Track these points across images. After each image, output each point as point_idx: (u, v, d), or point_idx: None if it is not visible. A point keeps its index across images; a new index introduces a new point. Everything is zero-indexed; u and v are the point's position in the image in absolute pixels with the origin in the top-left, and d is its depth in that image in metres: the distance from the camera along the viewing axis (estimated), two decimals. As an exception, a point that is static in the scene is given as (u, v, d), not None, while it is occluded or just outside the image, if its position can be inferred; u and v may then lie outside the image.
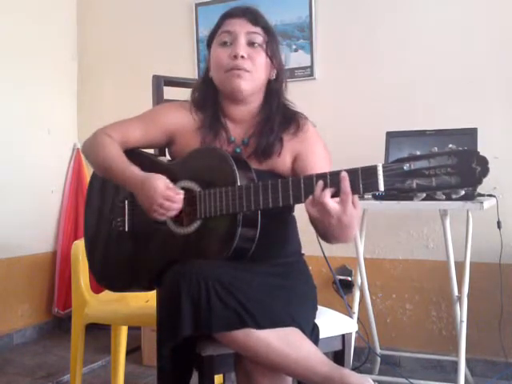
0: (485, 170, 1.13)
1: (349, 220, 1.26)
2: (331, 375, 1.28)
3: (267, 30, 1.56)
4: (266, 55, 1.55)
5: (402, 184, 1.19)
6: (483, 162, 1.14)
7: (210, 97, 1.60)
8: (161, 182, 1.44)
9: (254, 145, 1.56)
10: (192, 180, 1.49)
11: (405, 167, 1.19)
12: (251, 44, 1.53)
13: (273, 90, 1.60)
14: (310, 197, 1.28)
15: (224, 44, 1.54)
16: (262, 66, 1.55)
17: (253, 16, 1.55)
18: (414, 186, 1.19)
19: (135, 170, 1.51)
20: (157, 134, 1.63)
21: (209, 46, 1.62)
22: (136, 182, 1.48)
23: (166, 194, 1.42)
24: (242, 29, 1.53)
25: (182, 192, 1.45)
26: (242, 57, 1.51)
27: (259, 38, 1.54)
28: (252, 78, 1.53)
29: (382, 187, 1.20)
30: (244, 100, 1.58)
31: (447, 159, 1.16)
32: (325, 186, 1.26)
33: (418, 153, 1.19)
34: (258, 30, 1.54)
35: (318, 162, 1.53)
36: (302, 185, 1.30)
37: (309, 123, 1.62)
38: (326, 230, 1.31)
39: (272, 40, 1.57)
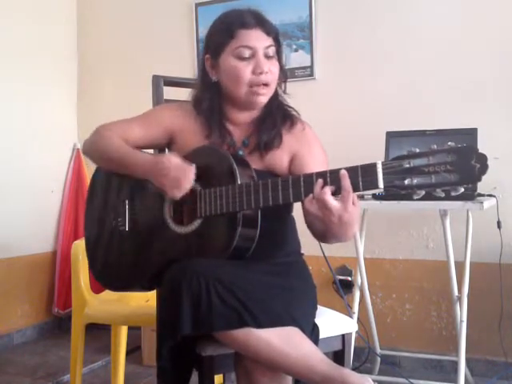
0: (484, 167, 1.13)
1: (349, 217, 1.26)
2: (331, 375, 1.28)
3: (277, 38, 1.57)
4: (278, 64, 1.57)
5: (402, 181, 1.19)
6: (482, 159, 1.13)
7: (216, 103, 1.59)
8: (174, 158, 1.46)
9: (255, 141, 1.56)
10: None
11: (404, 164, 1.19)
12: (268, 57, 1.53)
13: (275, 92, 1.60)
14: (310, 195, 1.29)
15: (243, 59, 1.51)
16: (277, 75, 1.57)
17: (263, 24, 1.54)
18: (414, 183, 1.18)
19: (144, 155, 1.53)
20: (157, 134, 1.63)
21: (217, 51, 1.56)
22: (150, 165, 1.49)
23: (181, 168, 1.45)
24: (261, 44, 1.52)
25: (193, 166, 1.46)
26: (266, 72, 1.52)
27: (273, 50, 1.54)
28: (271, 90, 1.56)
29: (381, 185, 1.21)
30: (254, 108, 1.59)
31: (446, 156, 1.16)
32: (324, 184, 1.27)
33: (418, 150, 1.19)
34: (271, 41, 1.54)
35: (316, 163, 1.53)
36: (301, 183, 1.31)
37: (305, 124, 1.63)
38: (326, 228, 1.31)
39: (280, 47, 1.58)
